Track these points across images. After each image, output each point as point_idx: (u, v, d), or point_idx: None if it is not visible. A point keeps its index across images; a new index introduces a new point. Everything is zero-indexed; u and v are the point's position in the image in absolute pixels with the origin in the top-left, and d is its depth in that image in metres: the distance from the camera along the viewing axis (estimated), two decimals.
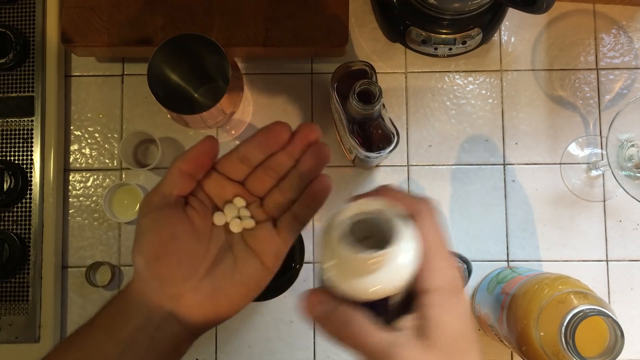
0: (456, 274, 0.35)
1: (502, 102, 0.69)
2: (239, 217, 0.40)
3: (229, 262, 0.39)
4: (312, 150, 0.38)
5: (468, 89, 0.70)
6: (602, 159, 0.67)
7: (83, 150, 0.69)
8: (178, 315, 0.37)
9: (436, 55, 0.68)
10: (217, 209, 0.40)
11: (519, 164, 0.69)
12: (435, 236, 0.34)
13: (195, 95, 0.67)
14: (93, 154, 0.69)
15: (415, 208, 0.34)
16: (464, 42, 0.64)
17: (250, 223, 0.39)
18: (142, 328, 0.37)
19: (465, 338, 0.34)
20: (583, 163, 0.69)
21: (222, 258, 0.39)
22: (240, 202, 0.39)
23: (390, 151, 0.56)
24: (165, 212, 0.37)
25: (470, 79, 0.70)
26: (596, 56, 0.70)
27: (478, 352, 0.35)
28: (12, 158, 0.67)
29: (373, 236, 0.34)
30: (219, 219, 0.39)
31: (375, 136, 0.57)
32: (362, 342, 0.33)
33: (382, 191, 0.35)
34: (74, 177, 0.69)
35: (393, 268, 0.32)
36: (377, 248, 0.31)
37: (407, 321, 0.34)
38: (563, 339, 0.50)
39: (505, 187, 0.68)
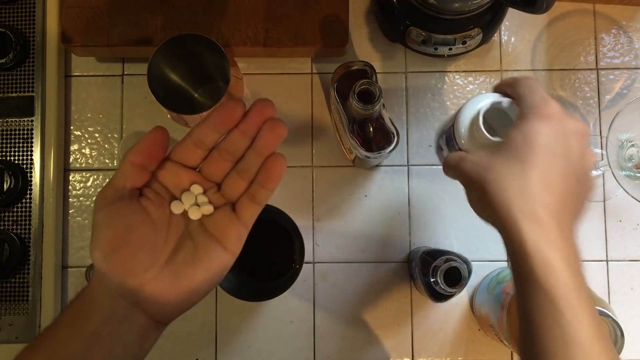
0: (550, 105, 0.43)
1: None
2: (197, 204, 0.40)
3: (189, 249, 0.39)
4: (267, 125, 0.38)
5: (468, 89, 0.70)
6: (602, 159, 0.67)
7: (83, 150, 0.69)
8: (142, 305, 0.38)
9: (436, 55, 0.68)
10: (175, 198, 0.40)
11: None
12: (530, 87, 0.44)
13: (195, 95, 0.67)
14: (93, 154, 0.69)
15: (517, 92, 0.45)
16: (464, 42, 0.64)
17: (208, 209, 0.39)
18: (106, 321, 0.37)
19: (528, 147, 0.41)
20: None
21: (182, 245, 0.39)
22: (197, 189, 0.39)
23: (390, 151, 0.56)
24: (119, 205, 0.37)
25: (470, 79, 0.70)
26: (596, 56, 0.70)
27: (543, 163, 0.41)
28: (12, 158, 0.67)
29: (490, 122, 0.49)
30: (176, 208, 0.39)
31: (375, 136, 0.57)
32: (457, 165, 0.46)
33: (497, 86, 0.48)
34: (74, 177, 0.69)
35: None
36: (499, 131, 0.47)
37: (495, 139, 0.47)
38: None
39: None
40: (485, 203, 0.42)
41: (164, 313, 0.39)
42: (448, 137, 0.56)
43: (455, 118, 0.52)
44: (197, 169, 0.40)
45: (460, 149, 0.51)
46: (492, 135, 0.46)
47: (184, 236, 0.39)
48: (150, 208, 0.38)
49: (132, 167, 0.38)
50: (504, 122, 0.47)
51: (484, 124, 0.47)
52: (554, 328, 0.37)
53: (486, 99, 0.48)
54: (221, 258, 0.39)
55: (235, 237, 0.39)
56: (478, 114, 0.47)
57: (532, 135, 0.41)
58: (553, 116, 0.42)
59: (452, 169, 0.46)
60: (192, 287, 0.38)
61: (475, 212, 0.45)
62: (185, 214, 0.40)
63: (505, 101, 0.46)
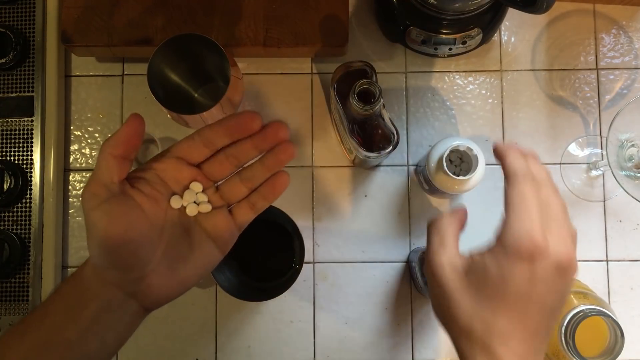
0: (535, 243, 0.37)
1: (502, 102, 0.69)
2: (196, 202, 0.41)
3: (185, 245, 0.41)
4: (281, 147, 0.40)
5: (468, 89, 0.70)
6: (602, 159, 0.67)
7: (83, 150, 0.69)
8: (138, 295, 0.39)
9: (436, 55, 0.68)
10: (173, 192, 0.41)
11: None
12: (519, 199, 0.40)
13: (195, 95, 0.67)
14: (93, 154, 0.69)
15: (514, 168, 0.41)
16: (464, 42, 0.64)
17: (207, 207, 0.41)
18: (103, 310, 0.38)
19: (501, 287, 0.38)
20: (583, 163, 0.69)
21: (178, 240, 0.41)
22: (197, 186, 0.41)
23: (390, 151, 0.56)
24: (114, 203, 0.38)
25: (470, 79, 0.70)
26: (596, 56, 0.70)
27: (510, 328, 0.38)
28: (12, 158, 0.67)
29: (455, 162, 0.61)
30: (175, 202, 0.41)
31: (375, 136, 0.57)
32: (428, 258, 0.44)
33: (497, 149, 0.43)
34: (74, 177, 0.69)
35: (470, 185, 0.59)
36: (462, 172, 0.59)
37: (472, 255, 0.42)
38: (563, 339, 0.51)
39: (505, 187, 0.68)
40: (448, 319, 0.41)
41: (156, 302, 0.40)
42: (422, 171, 0.64)
43: (427, 155, 0.61)
44: (197, 165, 0.42)
45: (431, 182, 0.61)
46: (455, 173, 0.58)
47: (179, 231, 0.41)
48: (145, 204, 0.39)
49: (114, 160, 0.38)
50: (468, 158, 0.59)
51: (450, 160, 0.60)
52: None
53: (454, 142, 0.58)
54: (213, 255, 0.42)
55: (228, 237, 0.42)
56: (442, 156, 0.57)
57: (509, 276, 0.38)
58: (535, 257, 0.38)
59: (429, 271, 0.44)
60: (184, 279, 0.41)
61: (436, 314, 0.44)
62: (182, 209, 0.41)
63: (462, 146, 0.58)
